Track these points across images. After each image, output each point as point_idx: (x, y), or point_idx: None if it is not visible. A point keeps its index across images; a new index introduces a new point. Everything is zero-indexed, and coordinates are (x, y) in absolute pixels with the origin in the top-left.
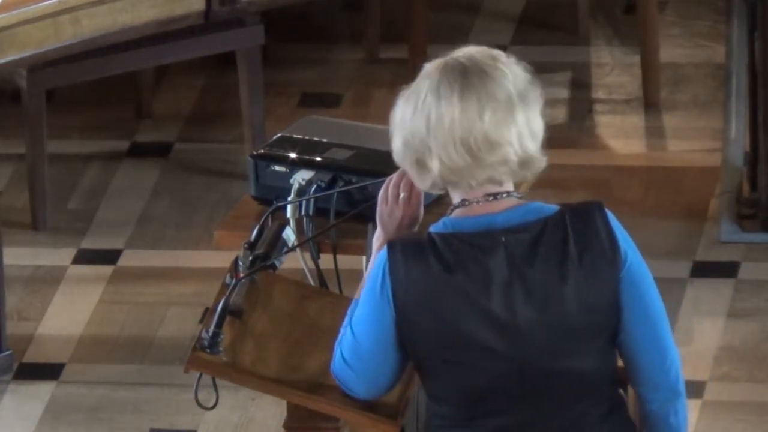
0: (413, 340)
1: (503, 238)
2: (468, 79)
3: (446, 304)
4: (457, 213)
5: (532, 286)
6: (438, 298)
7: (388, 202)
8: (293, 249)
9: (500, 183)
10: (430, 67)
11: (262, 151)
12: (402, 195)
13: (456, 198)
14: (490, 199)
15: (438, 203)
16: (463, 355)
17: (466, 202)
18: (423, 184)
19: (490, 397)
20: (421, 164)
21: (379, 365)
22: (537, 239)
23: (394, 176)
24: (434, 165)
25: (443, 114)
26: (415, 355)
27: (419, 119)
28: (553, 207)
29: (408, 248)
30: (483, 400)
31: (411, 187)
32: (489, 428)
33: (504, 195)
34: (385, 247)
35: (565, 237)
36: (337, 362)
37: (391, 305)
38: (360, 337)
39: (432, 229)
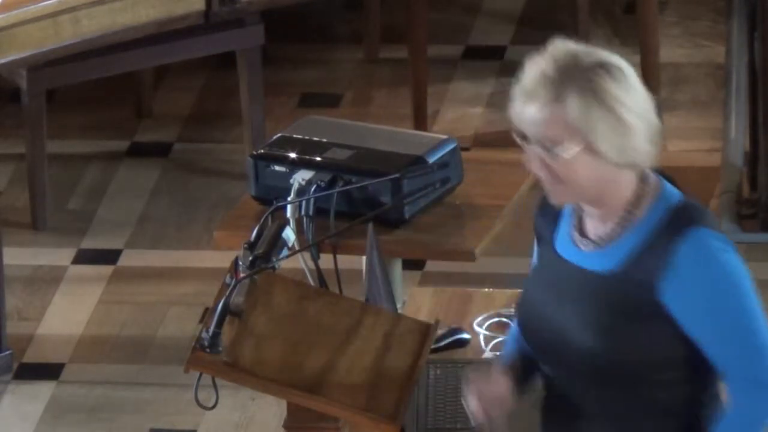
0: None
1: None
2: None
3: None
4: (666, 187)
5: None
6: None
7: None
8: (296, 252)
9: None
10: (600, 70)
11: (262, 151)
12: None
13: (634, 180)
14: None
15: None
16: None
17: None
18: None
19: None
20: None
21: None
22: None
23: (470, 402)
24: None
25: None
26: None
27: (648, 104)
28: None
29: (716, 230)
30: None
31: (480, 390)
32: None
33: None
34: (707, 239)
35: None
36: None
37: None
38: None
39: (688, 202)
